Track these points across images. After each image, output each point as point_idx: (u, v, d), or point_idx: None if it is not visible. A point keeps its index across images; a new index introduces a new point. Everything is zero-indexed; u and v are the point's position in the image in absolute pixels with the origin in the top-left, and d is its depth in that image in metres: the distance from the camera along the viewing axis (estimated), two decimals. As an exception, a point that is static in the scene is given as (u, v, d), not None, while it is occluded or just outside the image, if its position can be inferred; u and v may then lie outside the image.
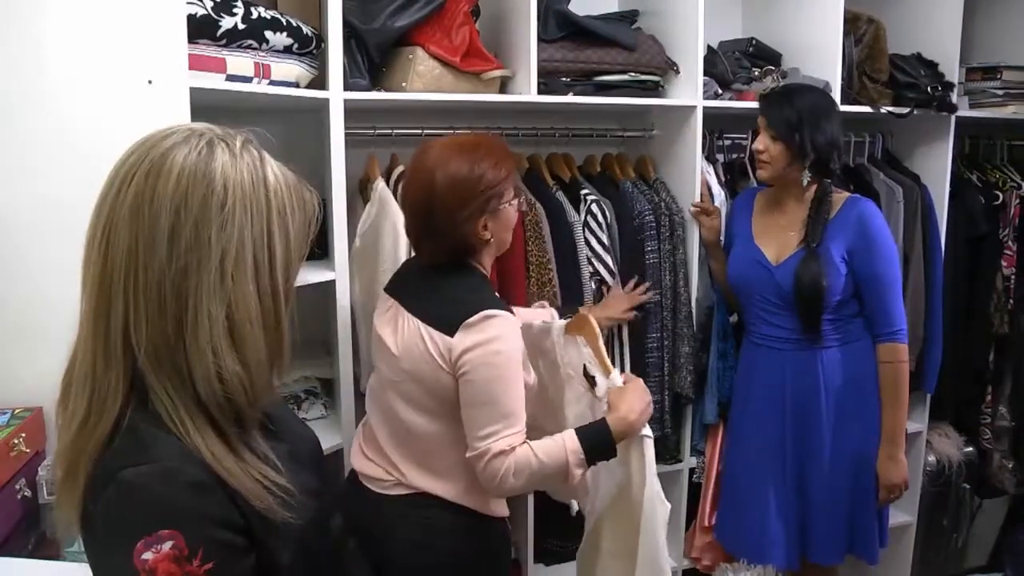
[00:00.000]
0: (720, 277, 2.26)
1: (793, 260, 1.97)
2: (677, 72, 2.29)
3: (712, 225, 2.26)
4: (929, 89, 2.48)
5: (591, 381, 1.71)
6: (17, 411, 1.61)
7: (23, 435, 1.54)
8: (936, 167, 2.61)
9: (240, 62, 1.79)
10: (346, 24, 1.92)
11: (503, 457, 1.42)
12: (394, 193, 1.97)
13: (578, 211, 2.18)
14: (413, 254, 1.68)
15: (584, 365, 1.72)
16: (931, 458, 2.73)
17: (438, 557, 1.52)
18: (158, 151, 0.79)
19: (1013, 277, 2.70)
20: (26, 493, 1.54)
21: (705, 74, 2.26)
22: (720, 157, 2.49)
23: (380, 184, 1.98)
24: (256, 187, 0.81)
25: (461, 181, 1.45)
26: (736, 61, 2.42)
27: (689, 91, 2.26)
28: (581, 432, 1.49)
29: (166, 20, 1.62)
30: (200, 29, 1.69)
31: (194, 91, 1.63)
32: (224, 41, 1.75)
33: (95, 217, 0.81)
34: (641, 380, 1.65)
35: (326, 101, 1.90)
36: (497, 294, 1.59)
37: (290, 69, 1.89)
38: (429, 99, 2.02)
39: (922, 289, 2.51)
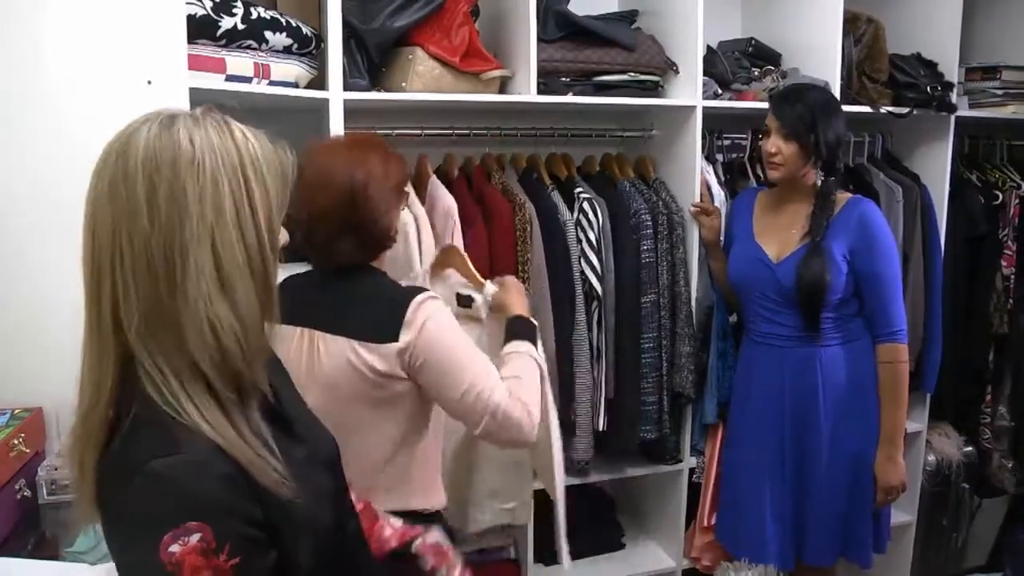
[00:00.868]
0: (720, 277, 2.26)
1: (795, 256, 1.98)
2: (677, 72, 2.29)
3: (712, 225, 2.26)
4: (929, 89, 2.48)
5: (466, 303, 1.75)
6: (17, 411, 1.61)
7: (23, 435, 1.54)
8: (936, 167, 2.61)
9: (240, 62, 1.79)
10: (346, 24, 1.92)
11: (511, 402, 1.42)
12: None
13: (572, 210, 2.18)
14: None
15: (456, 295, 1.76)
16: (931, 458, 2.73)
17: None
18: (122, 138, 0.81)
19: (1013, 277, 2.70)
20: (26, 493, 1.54)
21: (705, 74, 2.26)
22: (720, 157, 2.49)
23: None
24: (223, 140, 0.82)
25: (381, 177, 1.44)
26: (736, 61, 2.43)
27: (689, 91, 2.26)
28: (512, 335, 1.57)
29: (166, 20, 1.62)
30: (200, 29, 1.69)
31: (193, 91, 1.63)
32: (224, 41, 1.75)
33: (85, 209, 0.83)
34: (511, 276, 1.75)
35: (326, 101, 1.90)
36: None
37: (290, 69, 1.89)
38: (429, 99, 2.02)
39: (922, 289, 2.51)
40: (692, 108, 2.25)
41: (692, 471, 2.39)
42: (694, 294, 2.28)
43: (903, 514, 2.68)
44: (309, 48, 1.92)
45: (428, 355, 1.40)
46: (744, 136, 2.49)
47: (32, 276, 1.60)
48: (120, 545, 0.79)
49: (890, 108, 2.48)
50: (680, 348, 2.25)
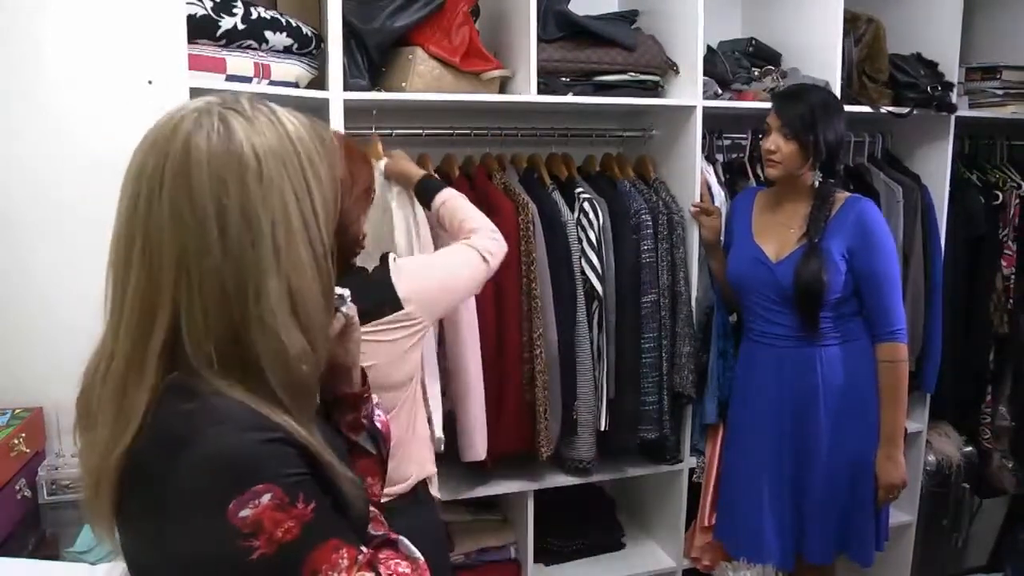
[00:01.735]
0: (720, 277, 2.26)
1: (793, 257, 1.98)
2: (677, 72, 2.29)
3: (712, 225, 2.26)
4: (929, 89, 2.48)
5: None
6: (17, 411, 1.61)
7: (23, 435, 1.54)
8: (936, 167, 2.61)
9: (240, 62, 1.79)
10: (346, 24, 1.92)
11: (488, 244, 1.64)
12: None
13: (573, 210, 2.18)
14: None
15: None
16: (931, 458, 2.73)
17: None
18: (176, 146, 0.75)
19: (1013, 277, 2.70)
20: (26, 493, 1.55)
21: (705, 74, 2.26)
22: (720, 157, 2.50)
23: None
24: (282, 142, 0.78)
25: (345, 181, 1.45)
26: (736, 61, 2.43)
27: (689, 91, 2.26)
28: (431, 191, 1.77)
29: (166, 20, 1.62)
30: (200, 29, 1.70)
31: (194, 91, 1.63)
32: (224, 41, 1.75)
33: (123, 236, 0.76)
34: (397, 150, 1.94)
35: (326, 101, 1.90)
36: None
37: (290, 69, 1.89)
38: (429, 99, 2.02)
39: (922, 289, 2.51)
40: (692, 108, 2.25)
41: (692, 471, 2.39)
42: (694, 294, 2.28)
43: (903, 514, 2.68)
44: (309, 48, 1.92)
45: (425, 290, 1.54)
46: (744, 136, 2.49)
47: (32, 276, 1.60)
48: (175, 521, 0.74)
49: (890, 108, 2.48)
50: (680, 348, 2.25)
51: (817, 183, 2.01)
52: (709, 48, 2.43)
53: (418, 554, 0.88)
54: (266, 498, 0.71)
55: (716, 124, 2.44)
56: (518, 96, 2.11)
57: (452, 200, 1.74)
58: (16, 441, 1.52)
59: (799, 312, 1.98)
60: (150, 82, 1.62)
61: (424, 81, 2.02)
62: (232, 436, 0.73)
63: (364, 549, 0.79)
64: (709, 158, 2.43)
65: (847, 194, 2.07)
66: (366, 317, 1.45)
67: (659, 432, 2.25)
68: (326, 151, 0.83)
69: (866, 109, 2.44)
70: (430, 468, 1.62)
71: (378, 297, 1.49)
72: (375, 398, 1.06)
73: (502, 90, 2.17)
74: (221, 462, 0.72)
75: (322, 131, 0.84)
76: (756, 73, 2.43)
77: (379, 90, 2.03)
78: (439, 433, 1.86)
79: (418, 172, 1.83)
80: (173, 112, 0.79)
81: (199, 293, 0.74)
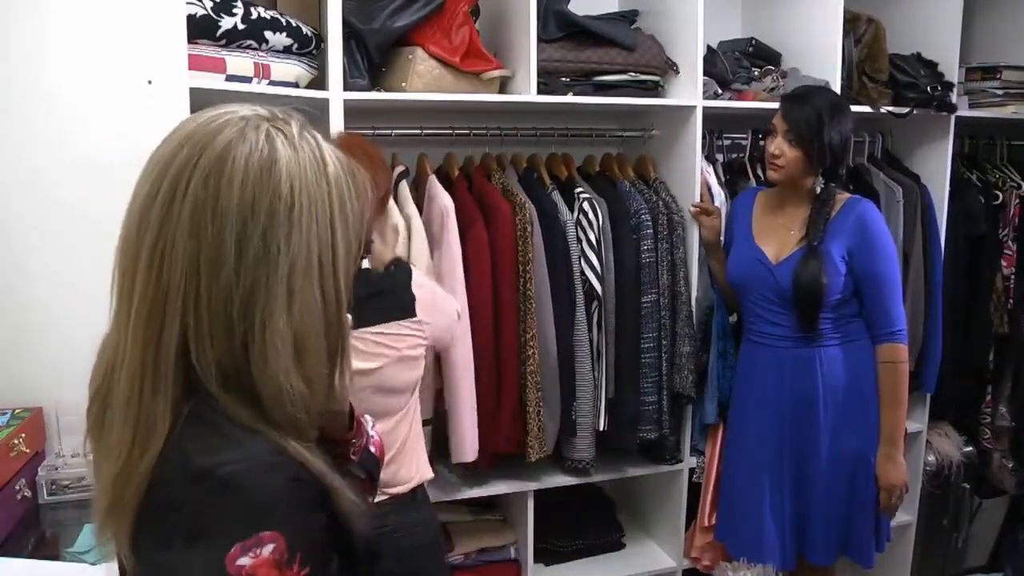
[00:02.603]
0: (720, 277, 2.26)
1: (793, 258, 1.98)
2: (677, 72, 2.29)
3: (712, 225, 2.26)
4: (929, 89, 2.48)
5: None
6: (17, 411, 1.61)
7: (23, 435, 1.54)
8: (936, 167, 2.61)
9: (240, 62, 1.79)
10: (346, 24, 1.92)
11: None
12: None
13: (572, 210, 2.18)
14: None
15: None
16: (931, 458, 2.73)
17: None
18: (213, 151, 0.72)
19: (1013, 277, 2.70)
20: (26, 493, 1.55)
21: (705, 74, 2.26)
22: (720, 157, 2.50)
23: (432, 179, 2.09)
24: (319, 181, 0.75)
25: (366, 188, 1.53)
26: (736, 61, 2.43)
27: (689, 91, 2.26)
28: None
29: (166, 20, 1.62)
30: (200, 29, 1.70)
31: (194, 91, 1.63)
32: (224, 41, 1.75)
33: (137, 228, 0.73)
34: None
35: (326, 101, 1.90)
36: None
37: (290, 69, 1.89)
38: (429, 99, 2.02)
39: (922, 289, 2.51)
40: (692, 108, 2.25)
41: (692, 471, 2.39)
42: (694, 294, 2.28)
43: (903, 514, 2.67)
44: (309, 48, 1.92)
45: (443, 324, 1.61)
46: (744, 136, 2.49)
47: (32, 277, 1.60)
48: (178, 554, 0.71)
49: (890, 108, 2.48)
50: (680, 348, 2.25)
51: (819, 189, 2.00)
52: (709, 48, 2.43)
53: None
54: (268, 549, 0.69)
55: (716, 124, 2.44)
56: (518, 96, 2.11)
57: None
58: (16, 441, 1.52)
59: (798, 313, 1.98)
60: (150, 82, 1.62)
61: (424, 81, 2.02)
62: (252, 473, 0.70)
63: None
64: (709, 158, 2.43)
65: (847, 195, 2.07)
66: (379, 315, 1.48)
67: (659, 432, 2.25)
68: (357, 193, 0.80)
69: (866, 109, 2.44)
70: (429, 473, 1.62)
71: (396, 300, 1.52)
72: (369, 420, 1.05)
73: (502, 90, 2.17)
74: (241, 497, 0.69)
75: (353, 169, 0.82)
76: (756, 73, 2.43)
77: (379, 90, 2.03)
78: None
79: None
80: (217, 112, 0.76)
81: (206, 308, 0.72)
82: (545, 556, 2.40)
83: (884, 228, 2.00)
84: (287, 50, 1.87)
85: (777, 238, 2.05)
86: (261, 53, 1.82)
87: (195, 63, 1.68)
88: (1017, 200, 2.69)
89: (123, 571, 0.84)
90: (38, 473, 1.59)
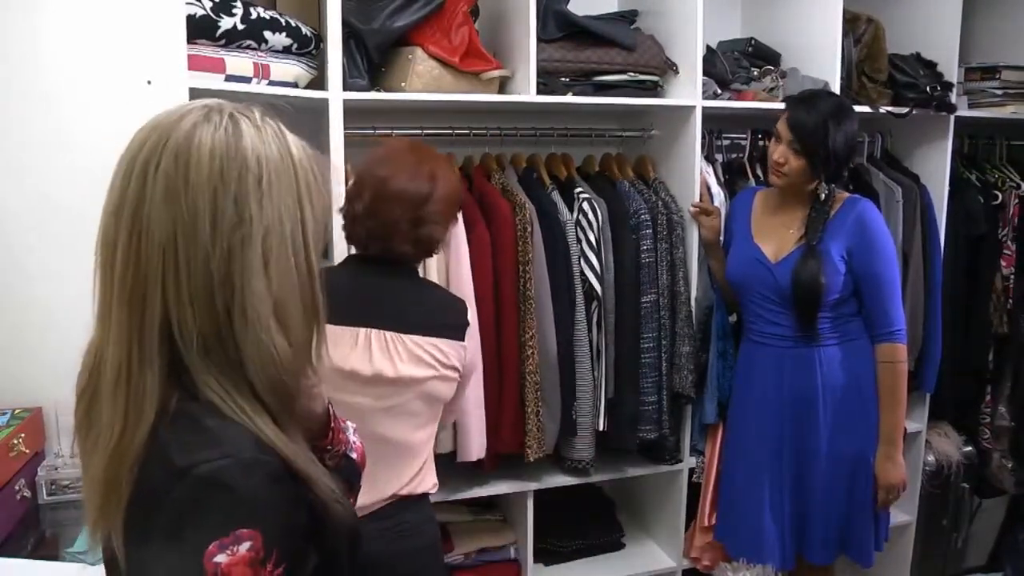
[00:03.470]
0: (719, 276, 2.26)
1: (792, 258, 1.98)
2: (676, 72, 2.29)
3: (712, 225, 2.26)
4: (928, 89, 2.48)
5: None
6: (17, 411, 1.61)
7: (23, 435, 1.54)
8: (935, 167, 2.61)
9: (239, 62, 1.79)
10: (345, 24, 1.92)
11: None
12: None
13: (572, 210, 2.18)
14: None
15: None
16: (930, 458, 2.73)
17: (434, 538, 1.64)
18: (180, 133, 0.75)
19: (1012, 277, 2.70)
20: (26, 493, 1.55)
21: (704, 74, 2.26)
22: (719, 157, 2.49)
23: None
24: (284, 159, 0.79)
25: (454, 191, 1.56)
26: (735, 61, 2.43)
27: (688, 91, 2.26)
28: None
29: (165, 20, 1.62)
30: (199, 29, 1.70)
31: (193, 91, 1.63)
32: (223, 41, 1.75)
33: (112, 213, 0.75)
34: None
35: (325, 101, 1.90)
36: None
37: (289, 69, 1.89)
38: (428, 99, 2.02)
39: (921, 289, 2.51)
40: (692, 108, 2.25)
41: (692, 471, 2.39)
42: (694, 294, 2.28)
43: (903, 514, 2.68)
44: (309, 48, 1.92)
45: (476, 360, 1.63)
46: (744, 136, 2.49)
47: (31, 277, 1.60)
48: (156, 550, 0.72)
49: (890, 108, 2.48)
50: (680, 348, 2.25)
51: (824, 195, 2.00)
52: (709, 48, 2.43)
53: None
54: (245, 547, 0.69)
55: (716, 124, 2.44)
56: (517, 96, 2.11)
57: None
58: (16, 441, 1.52)
59: (798, 313, 1.98)
60: (149, 82, 1.62)
61: (423, 81, 2.02)
62: (232, 470, 0.71)
63: None
64: (708, 158, 2.43)
65: (846, 194, 2.07)
66: (446, 331, 1.52)
67: (659, 432, 2.25)
68: (320, 182, 0.83)
69: (866, 109, 2.44)
70: (435, 481, 1.63)
71: (455, 320, 1.56)
72: (350, 427, 1.06)
73: (502, 90, 2.17)
74: (219, 495, 0.70)
75: (321, 162, 0.85)
76: (756, 73, 2.43)
77: (378, 90, 2.03)
78: None
79: None
80: (181, 104, 0.78)
81: (186, 277, 0.74)
82: (545, 556, 2.40)
83: (883, 228, 2.00)
84: (287, 50, 1.87)
85: (776, 237, 2.05)
86: (260, 53, 1.82)
87: (194, 63, 1.68)
88: (1016, 200, 2.69)
89: (109, 569, 0.84)
90: (38, 473, 1.59)
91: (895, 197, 2.47)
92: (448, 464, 2.07)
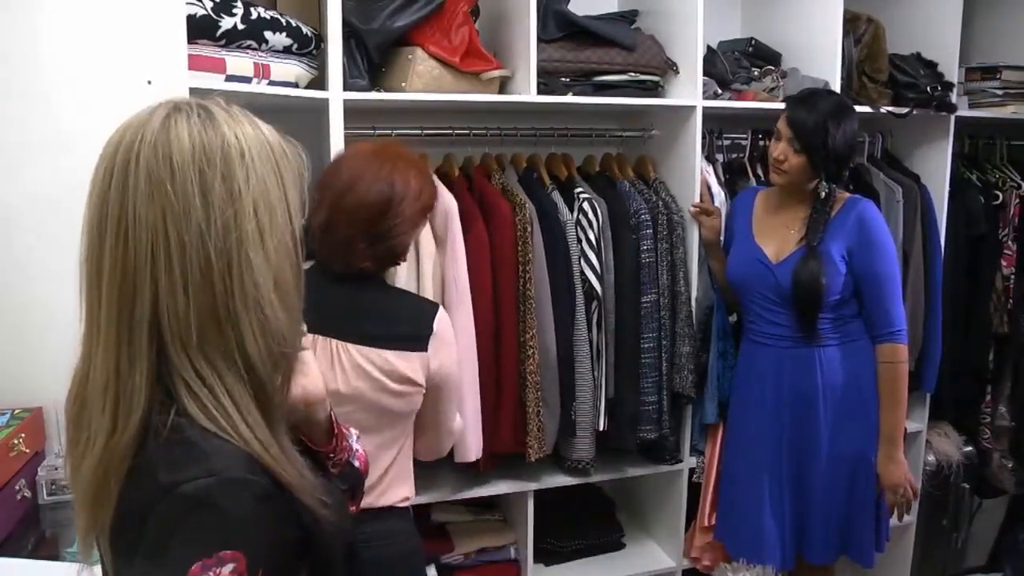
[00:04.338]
0: (720, 276, 2.26)
1: (793, 258, 1.98)
2: (676, 72, 2.29)
3: (712, 225, 2.26)
4: (928, 89, 2.48)
5: None
6: (17, 411, 1.61)
7: (23, 435, 1.54)
8: (936, 167, 2.61)
9: (239, 62, 1.79)
10: (346, 24, 1.92)
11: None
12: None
13: (572, 210, 2.18)
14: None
15: None
16: (931, 458, 2.73)
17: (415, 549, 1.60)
18: (154, 126, 0.75)
19: (1013, 277, 2.70)
20: (26, 493, 1.55)
21: (704, 74, 2.26)
22: (720, 157, 2.49)
23: None
24: (258, 135, 0.79)
25: (415, 196, 1.46)
26: (735, 61, 2.43)
27: (688, 91, 2.26)
28: None
29: (166, 20, 1.62)
30: (200, 29, 1.69)
31: (193, 91, 1.63)
32: (224, 41, 1.75)
33: (95, 210, 0.75)
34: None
35: (325, 101, 1.90)
36: None
37: (289, 69, 1.89)
38: (428, 99, 2.02)
39: (922, 289, 2.51)
40: (692, 108, 2.25)
41: (692, 471, 2.39)
42: (694, 294, 2.28)
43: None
44: (309, 48, 1.92)
45: (448, 371, 1.51)
46: (744, 136, 2.49)
47: (31, 277, 1.60)
48: (140, 567, 0.71)
49: (890, 108, 2.48)
50: (680, 348, 2.24)
51: (824, 194, 2.00)
52: (709, 48, 2.43)
53: None
54: (227, 569, 0.68)
55: (716, 124, 2.44)
56: (518, 96, 2.11)
57: None
58: (16, 441, 1.52)
59: (798, 313, 1.98)
60: (150, 82, 1.62)
61: (424, 81, 2.02)
62: (218, 490, 0.70)
63: None
64: (709, 158, 2.43)
65: (847, 194, 2.07)
66: (383, 341, 1.44)
67: (659, 432, 2.25)
68: (293, 163, 0.83)
69: (866, 109, 2.44)
70: (406, 495, 1.58)
71: (413, 331, 1.47)
72: (353, 434, 1.05)
73: (502, 90, 2.17)
74: (202, 515, 0.69)
75: (297, 148, 0.85)
76: (756, 73, 2.43)
77: (379, 90, 2.03)
78: None
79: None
80: (150, 105, 0.79)
81: (179, 267, 0.73)
82: (545, 556, 2.40)
83: (884, 227, 2.00)
84: (287, 50, 1.87)
85: (777, 238, 2.05)
86: (261, 53, 1.82)
87: (195, 63, 1.68)
88: (1017, 200, 2.70)
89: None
90: (38, 473, 1.59)
91: (895, 197, 2.47)
92: (447, 464, 2.07)
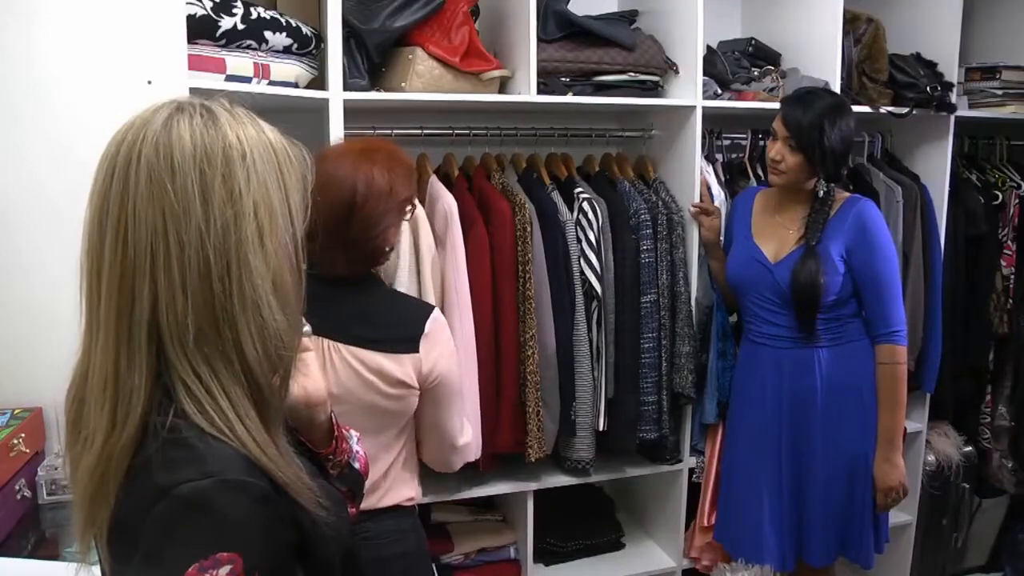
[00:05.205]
0: (719, 276, 2.26)
1: (791, 258, 1.98)
2: (676, 72, 2.29)
3: (712, 225, 2.26)
4: (928, 89, 2.48)
5: None
6: (17, 411, 1.61)
7: (23, 435, 1.54)
8: (935, 167, 2.61)
9: (239, 62, 1.79)
10: (346, 24, 1.92)
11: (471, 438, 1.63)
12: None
13: (572, 210, 2.18)
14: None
15: None
16: (930, 458, 2.73)
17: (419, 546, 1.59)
18: (156, 126, 0.75)
19: (1012, 277, 2.70)
20: (26, 493, 1.55)
21: (704, 74, 2.26)
22: (719, 157, 2.49)
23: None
24: (260, 136, 0.79)
25: (382, 193, 1.41)
26: (735, 61, 2.43)
27: (688, 91, 2.26)
28: None
29: (166, 20, 1.62)
30: (199, 29, 1.70)
31: (193, 91, 1.62)
32: (223, 41, 1.75)
33: (96, 209, 0.75)
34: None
35: (325, 101, 1.90)
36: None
37: (289, 69, 1.89)
38: (428, 99, 2.02)
39: (921, 289, 2.51)
40: (692, 108, 2.25)
41: (692, 471, 2.39)
42: (694, 294, 2.28)
43: (903, 514, 2.68)
44: (309, 48, 1.92)
45: (444, 374, 1.48)
46: (744, 136, 2.49)
47: (31, 277, 1.60)
48: (137, 569, 0.71)
49: (890, 108, 2.48)
50: (680, 348, 2.24)
51: (822, 192, 2.00)
52: (709, 48, 2.43)
53: None
54: (224, 570, 0.68)
55: (716, 124, 2.44)
56: (518, 96, 2.11)
57: None
58: (16, 441, 1.52)
59: (797, 313, 1.98)
60: (150, 82, 1.62)
61: (424, 81, 2.02)
62: (215, 492, 0.69)
63: None
64: (709, 158, 2.43)
65: (846, 194, 2.07)
66: (374, 343, 1.42)
67: (658, 432, 2.25)
68: (296, 166, 0.83)
69: (866, 109, 2.44)
70: (410, 495, 1.58)
71: (403, 333, 1.45)
72: (354, 436, 1.05)
73: (502, 90, 2.17)
74: (199, 517, 0.69)
75: (301, 151, 0.84)
76: (756, 73, 2.43)
77: (379, 90, 2.03)
78: None
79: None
80: (153, 105, 0.79)
81: (178, 266, 0.73)
82: (545, 556, 2.40)
83: (883, 227, 2.00)
84: (287, 50, 1.87)
85: (776, 238, 2.05)
86: (261, 53, 1.82)
87: (195, 63, 1.68)
88: (1017, 200, 2.70)
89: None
90: (38, 473, 1.59)
91: (895, 197, 2.47)
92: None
